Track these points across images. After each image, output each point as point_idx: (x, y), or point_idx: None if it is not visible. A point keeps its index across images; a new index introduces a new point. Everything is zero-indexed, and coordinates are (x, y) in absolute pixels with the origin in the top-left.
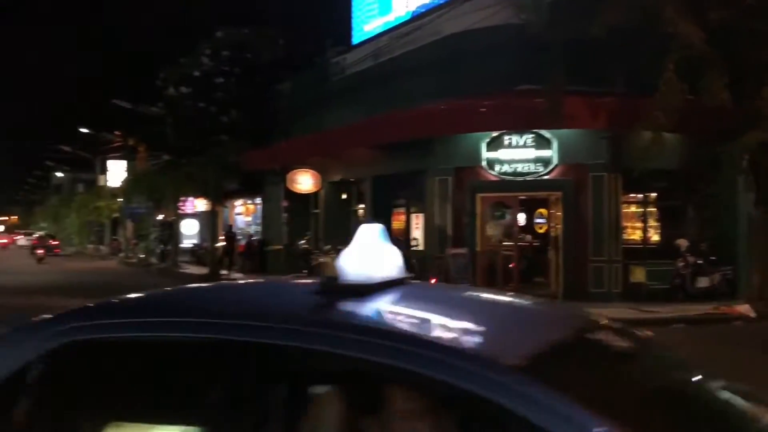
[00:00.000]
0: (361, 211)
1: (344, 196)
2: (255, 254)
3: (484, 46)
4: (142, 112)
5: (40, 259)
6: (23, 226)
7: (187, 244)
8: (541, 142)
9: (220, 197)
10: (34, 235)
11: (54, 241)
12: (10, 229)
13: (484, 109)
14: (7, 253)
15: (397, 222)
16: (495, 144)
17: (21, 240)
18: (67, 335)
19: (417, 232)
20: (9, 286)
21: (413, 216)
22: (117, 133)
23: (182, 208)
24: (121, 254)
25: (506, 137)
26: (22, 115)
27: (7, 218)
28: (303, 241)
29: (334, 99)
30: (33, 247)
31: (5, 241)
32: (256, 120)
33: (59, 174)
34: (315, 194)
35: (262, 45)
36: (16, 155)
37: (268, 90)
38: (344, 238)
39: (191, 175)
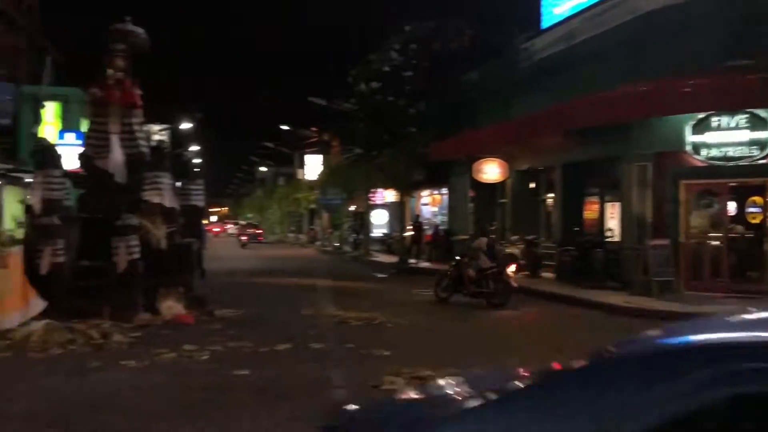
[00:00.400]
0: (550, 201)
1: (532, 185)
2: (441, 244)
3: (686, 22)
4: (336, 108)
5: (243, 245)
6: (232, 217)
7: (377, 233)
8: (757, 123)
9: (408, 188)
10: (240, 224)
11: (258, 229)
12: (222, 219)
13: (688, 90)
14: (219, 240)
15: (590, 212)
16: (701, 126)
17: (231, 229)
18: (732, 383)
19: (612, 222)
20: (225, 269)
21: (608, 205)
22: (313, 129)
23: (372, 199)
24: (318, 242)
25: (714, 119)
26: (231, 116)
27: (219, 209)
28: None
29: (522, 86)
30: (239, 234)
31: (218, 229)
32: (443, 111)
33: (263, 168)
34: (502, 183)
35: (449, 36)
36: (227, 153)
37: (455, 80)
38: (533, 228)
39: (381, 167)
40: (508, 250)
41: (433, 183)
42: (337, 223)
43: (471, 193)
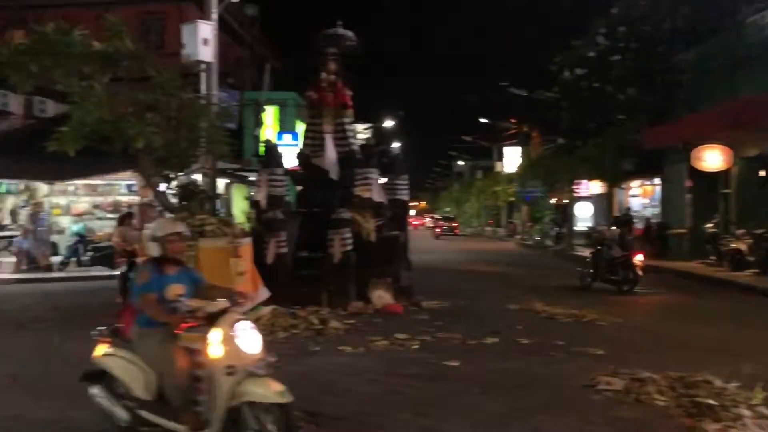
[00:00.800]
0: None
1: (762, 174)
2: (654, 238)
3: None
4: (537, 99)
5: (437, 237)
6: (430, 211)
7: (581, 227)
8: None
9: (616, 179)
10: (434, 217)
11: (453, 222)
12: (420, 213)
13: None
14: (418, 232)
15: None
16: None
17: (429, 222)
18: None
19: None
20: (426, 261)
21: None
22: (512, 120)
23: (576, 190)
24: (517, 236)
25: None
26: (430, 112)
27: (417, 203)
28: (710, 225)
29: (750, 63)
30: (434, 227)
31: (417, 222)
32: (655, 95)
33: (460, 162)
34: (725, 172)
35: (662, 16)
36: (424, 148)
37: (668, 62)
38: (763, 221)
39: (586, 157)
40: (733, 245)
41: (644, 173)
42: (537, 216)
43: (688, 183)
